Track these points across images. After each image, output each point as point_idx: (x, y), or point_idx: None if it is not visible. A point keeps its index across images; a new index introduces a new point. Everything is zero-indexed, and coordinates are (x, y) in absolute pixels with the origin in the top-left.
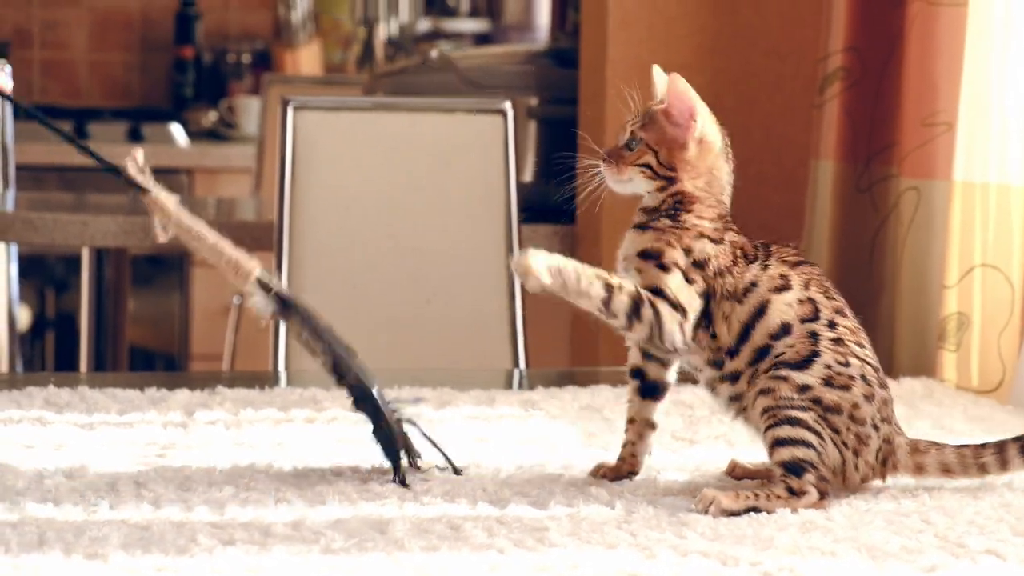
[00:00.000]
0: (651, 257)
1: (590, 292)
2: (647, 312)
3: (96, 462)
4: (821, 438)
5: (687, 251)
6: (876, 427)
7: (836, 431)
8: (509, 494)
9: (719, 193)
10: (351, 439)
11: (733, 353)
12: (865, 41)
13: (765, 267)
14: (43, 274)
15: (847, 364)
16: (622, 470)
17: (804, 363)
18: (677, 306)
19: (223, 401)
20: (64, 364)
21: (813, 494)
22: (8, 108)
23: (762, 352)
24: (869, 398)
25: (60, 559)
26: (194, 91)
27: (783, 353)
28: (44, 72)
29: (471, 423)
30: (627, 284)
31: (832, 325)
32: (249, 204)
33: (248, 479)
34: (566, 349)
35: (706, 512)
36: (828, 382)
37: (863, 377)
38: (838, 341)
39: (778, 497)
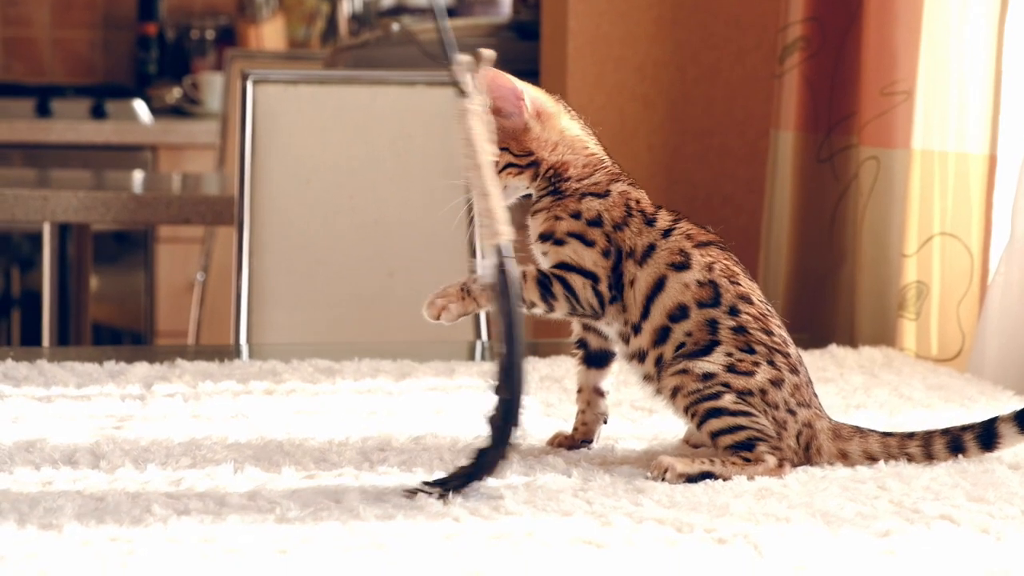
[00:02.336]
0: (548, 238)
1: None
2: (558, 288)
3: (53, 434)
4: (749, 415)
5: (576, 215)
6: (792, 411)
7: (764, 394)
8: (466, 463)
9: (583, 149)
10: (309, 410)
11: (637, 329)
12: (825, 11)
13: (666, 234)
14: (8, 252)
15: (751, 351)
16: (575, 439)
17: (703, 352)
18: (584, 272)
19: (182, 374)
20: (30, 341)
21: (770, 461)
22: None
23: (662, 333)
24: (777, 383)
25: (14, 530)
26: (158, 67)
27: (683, 344)
28: (7, 50)
29: (430, 394)
30: (530, 269)
31: (734, 312)
32: (213, 179)
33: (205, 450)
34: (529, 321)
35: (662, 479)
36: (731, 369)
37: (770, 363)
38: (739, 329)
39: (734, 464)
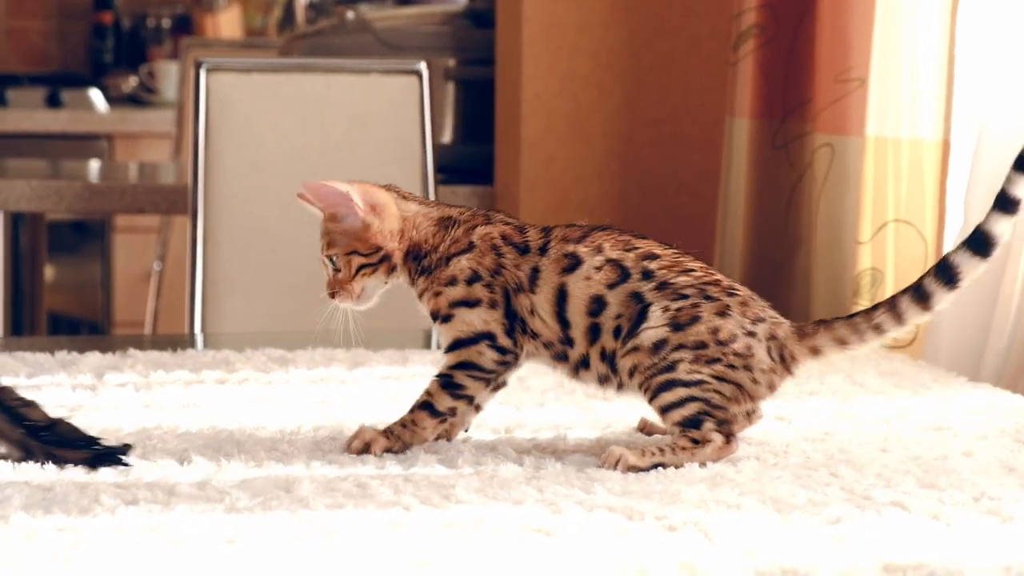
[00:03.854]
0: (436, 318)
1: (423, 432)
2: (462, 377)
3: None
4: (701, 384)
5: (451, 281)
6: (751, 333)
7: (714, 362)
8: (417, 452)
9: (428, 219)
10: (261, 399)
11: (568, 342)
12: None
13: (543, 251)
14: None
15: (683, 297)
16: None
17: (639, 321)
18: (478, 336)
19: (134, 364)
20: None
21: (717, 439)
22: None
23: (593, 331)
24: (723, 313)
25: None
26: (113, 56)
27: (619, 328)
28: None
29: (383, 383)
30: (430, 384)
31: (647, 275)
32: (169, 168)
33: (155, 440)
34: None
35: (613, 469)
36: (676, 325)
37: (707, 298)
38: (661, 285)
39: (683, 449)
